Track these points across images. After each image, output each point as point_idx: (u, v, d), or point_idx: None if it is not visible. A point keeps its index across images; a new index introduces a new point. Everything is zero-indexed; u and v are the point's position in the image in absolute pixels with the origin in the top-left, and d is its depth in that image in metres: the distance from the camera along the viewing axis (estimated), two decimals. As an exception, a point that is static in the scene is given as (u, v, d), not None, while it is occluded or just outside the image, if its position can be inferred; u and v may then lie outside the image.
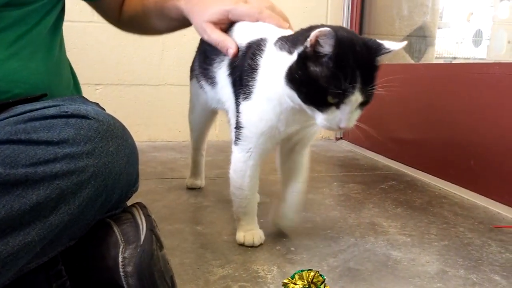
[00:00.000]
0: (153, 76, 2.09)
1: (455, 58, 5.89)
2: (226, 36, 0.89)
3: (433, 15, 2.41)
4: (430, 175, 1.50)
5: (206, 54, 1.00)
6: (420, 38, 2.36)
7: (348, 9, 2.14)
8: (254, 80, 0.81)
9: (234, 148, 0.88)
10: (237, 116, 0.85)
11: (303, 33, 0.75)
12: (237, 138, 0.86)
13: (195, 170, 1.33)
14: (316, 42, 0.68)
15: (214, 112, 1.19)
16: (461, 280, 0.80)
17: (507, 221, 1.13)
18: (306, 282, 0.66)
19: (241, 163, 0.87)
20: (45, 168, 0.58)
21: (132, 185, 0.72)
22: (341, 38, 0.68)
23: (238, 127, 0.85)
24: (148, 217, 0.66)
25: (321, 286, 0.66)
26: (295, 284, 0.66)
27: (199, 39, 1.08)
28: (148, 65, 2.08)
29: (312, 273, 0.67)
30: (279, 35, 0.80)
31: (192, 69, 1.18)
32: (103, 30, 2.00)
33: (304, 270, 0.68)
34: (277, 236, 0.98)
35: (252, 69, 0.81)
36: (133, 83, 2.08)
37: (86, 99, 0.86)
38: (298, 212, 0.97)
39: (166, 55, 2.09)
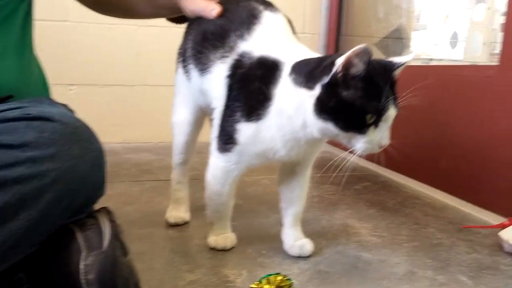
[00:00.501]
0: (128, 76, 2.06)
1: (431, 59, 6.00)
2: (211, 2, 0.90)
3: (409, 18, 2.45)
4: (404, 176, 1.53)
5: (207, 36, 0.88)
6: (396, 40, 2.39)
7: (326, 11, 2.16)
8: (266, 109, 0.77)
9: (218, 155, 0.84)
10: (231, 131, 0.80)
11: (318, 65, 0.73)
12: (226, 150, 0.82)
13: (182, 194, 1.08)
14: (349, 64, 0.68)
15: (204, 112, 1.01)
16: (428, 281, 0.81)
17: (476, 221, 1.16)
18: (273, 286, 0.66)
19: (223, 172, 0.85)
20: (6, 172, 0.57)
21: (98, 189, 0.71)
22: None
23: (230, 142, 0.81)
24: (112, 222, 0.65)
25: (288, 290, 0.66)
26: (263, 288, 0.66)
27: (178, 38, 1.05)
28: (123, 65, 2.05)
29: (279, 277, 0.67)
30: (293, 62, 0.77)
31: (180, 54, 1.01)
32: (77, 29, 1.97)
33: (272, 274, 0.68)
34: (249, 239, 0.98)
35: (265, 97, 0.77)
36: (107, 83, 2.05)
37: (54, 100, 0.85)
38: (299, 237, 0.92)
39: (141, 55, 2.06)
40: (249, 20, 0.85)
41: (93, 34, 1.99)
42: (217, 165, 0.85)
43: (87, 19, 1.94)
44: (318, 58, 0.76)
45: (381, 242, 0.99)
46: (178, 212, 1.06)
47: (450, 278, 0.83)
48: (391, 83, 0.73)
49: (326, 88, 0.70)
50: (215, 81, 0.85)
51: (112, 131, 2.10)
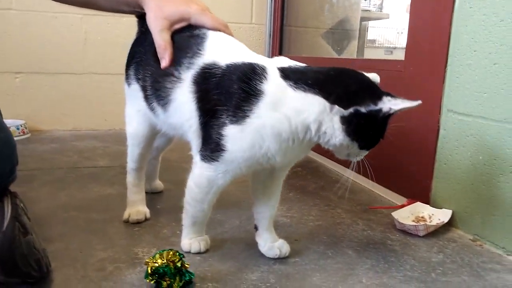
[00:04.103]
0: (76, 64, 2.09)
1: (395, 48, 6.15)
2: (171, 44, 0.87)
3: (355, 9, 2.54)
4: (332, 162, 1.64)
5: (164, 72, 0.88)
6: (342, 31, 2.49)
7: (271, 2, 2.22)
8: (253, 106, 0.74)
9: (203, 165, 0.81)
10: (217, 137, 0.77)
11: (336, 79, 0.75)
12: (211, 158, 0.79)
13: (140, 196, 1.08)
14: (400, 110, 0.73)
15: None
16: (317, 255, 0.91)
17: (384, 203, 1.27)
18: (165, 260, 0.75)
19: (208, 181, 0.82)
20: None
21: (6, 176, 0.77)
22: None
23: (217, 150, 0.78)
24: (14, 205, 0.71)
25: (178, 263, 0.75)
26: (155, 262, 0.74)
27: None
28: (70, 53, 2.07)
29: (171, 252, 0.76)
30: (277, 65, 0.78)
31: (129, 74, 0.99)
32: (22, 17, 1.98)
33: (165, 250, 0.76)
34: (169, 221, 1.05)
35: (249, 94, 0.75)
36: (55, 71, 2.07)
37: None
38: (276, 239, 0.92)
39: (89, 43, 2.09)
40: (196, 40, 0.86)
41: (38, 22, 2.00)
42: (202, 174, 0.82)
43: (31, 7, 1.96)
44: (326, 69, 0.77)
45: (289, 222, 1.09)
46: (138, 209, 1.06)
47: (338, 252, 0.93)
48: None
49: (363, 115, 0.73)
50: (182, 104, 0.84)
51: (61, 119, 2.13)
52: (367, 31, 5.09)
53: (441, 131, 1.12)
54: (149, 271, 0.74)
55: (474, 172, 1.03)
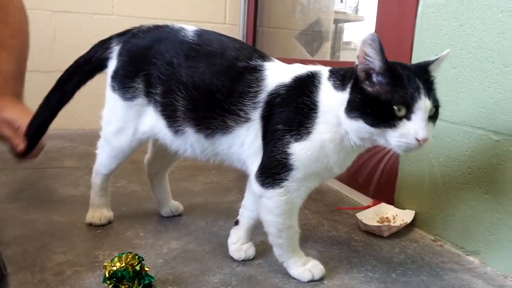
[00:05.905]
0: (45, 62, 2.04)
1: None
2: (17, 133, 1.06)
3: (327, 11, 2.56)
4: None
5: (215, 98, 0.82)
6: (315, 33, 2.51)
7: (245, 3, 2.22)
8: (313, 119, 0.75)
9: (273, 191, 0.78)
10: (282, 157, 0.76)
11: (348, 69, 0.75)
12: (280, 180, 0.77)
13: (105, 200, 1.05)
14: (363, 54, 0.69)
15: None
16: (281, 256, 0.92)
17: (350, 203, 1.29)
18: (124, 263, 0.73)
19: (287, 205, 0.79)
20: None
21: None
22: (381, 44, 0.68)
23: (283, 170, 0.76)
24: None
25: (137, 267, 0.74)
26: (114, 266, 0.73)
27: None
28: (38, 50, 2.01)
29: (130, 255, 0.74)
30: (329, 69, 0.79)
31: (134, 86, 0.91)
32: (-13, 13, 1.92)
33: (124, 253, 0.75)
34: (133, 223, 1.04)
35: (309, 108, 0.75)
36: (22, 69, 2.01)
37: None
38: (247, 240, 0.94)
39: (58, 40, 2.04)
40: (253, 75, 0.82)
41: (4, 18, 1.94)
42: (278, 201, 0.79)
43: (-3, 3, 1.90)
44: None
45: (255, 223, 1.08)
46: (102, 212, 1.03)
47: (301, 253, 0.94)
48: (425, 78, 0.71)
49: (352, 87, 0.72)
50: (251, 141, 0.82)
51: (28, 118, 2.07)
52: (343, 33, 5.16)
53: (405, 133, 1.14)
54: (107, 275, 0.73)
55: (435, 173, 1.05)
